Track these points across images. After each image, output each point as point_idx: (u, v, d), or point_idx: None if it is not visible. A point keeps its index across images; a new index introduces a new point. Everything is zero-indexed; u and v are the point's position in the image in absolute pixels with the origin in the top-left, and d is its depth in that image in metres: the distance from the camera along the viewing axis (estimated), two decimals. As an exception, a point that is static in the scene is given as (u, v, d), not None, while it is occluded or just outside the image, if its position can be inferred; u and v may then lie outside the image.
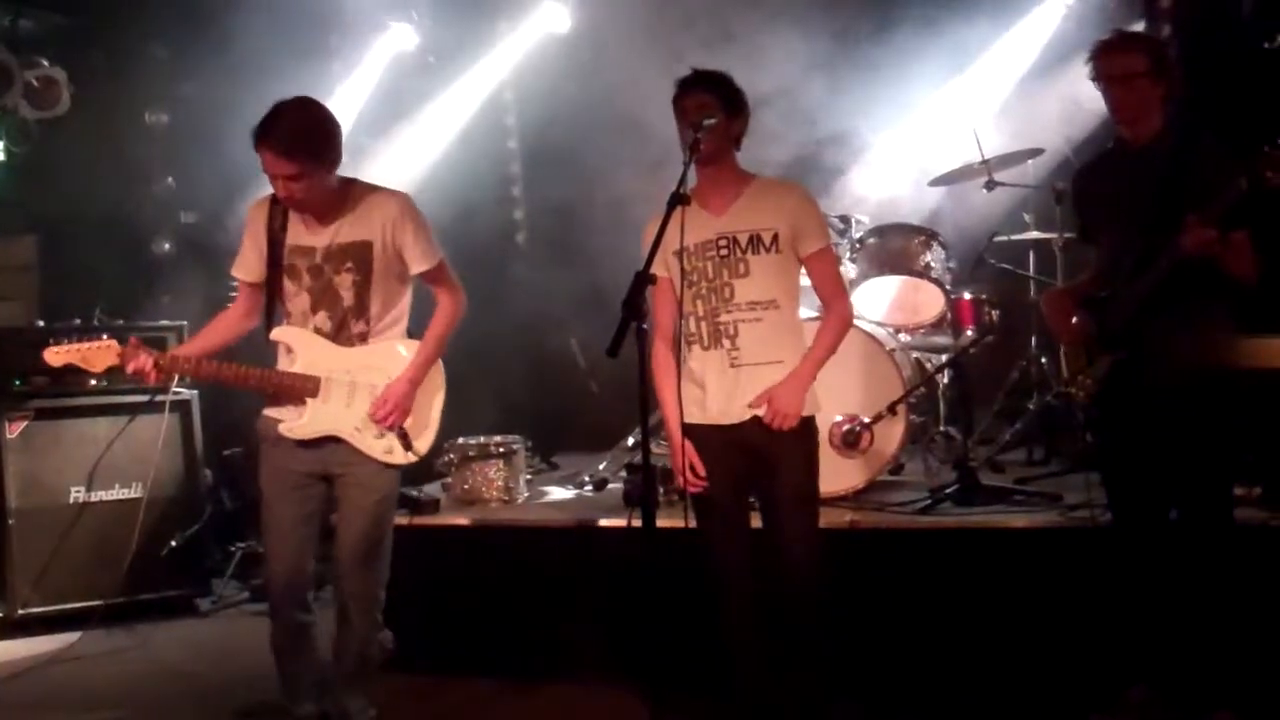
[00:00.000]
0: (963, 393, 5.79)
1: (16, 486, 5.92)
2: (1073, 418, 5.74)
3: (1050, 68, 6.45)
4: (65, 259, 6.88)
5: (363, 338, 4.07)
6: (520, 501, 5.67)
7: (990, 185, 6.09)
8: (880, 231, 5.88)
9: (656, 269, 3.61)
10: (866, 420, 5.06)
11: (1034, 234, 6.21)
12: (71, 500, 6.02)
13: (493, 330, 5.68)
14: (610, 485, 5.92)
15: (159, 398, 5.63)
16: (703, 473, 3.80)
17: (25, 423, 5.98)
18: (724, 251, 3.79)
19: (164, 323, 6.32)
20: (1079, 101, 5.75)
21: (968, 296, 5.91)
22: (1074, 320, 4.08)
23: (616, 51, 6.51)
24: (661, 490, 5.09)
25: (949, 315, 5.84)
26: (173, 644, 5.76)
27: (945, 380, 5.75)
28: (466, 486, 5.60)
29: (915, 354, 5.78)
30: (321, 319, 4.05)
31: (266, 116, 3.86)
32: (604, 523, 5.10)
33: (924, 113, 6.73)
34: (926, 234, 5.85)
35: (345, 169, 4.03)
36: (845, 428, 5.06)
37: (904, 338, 5.81)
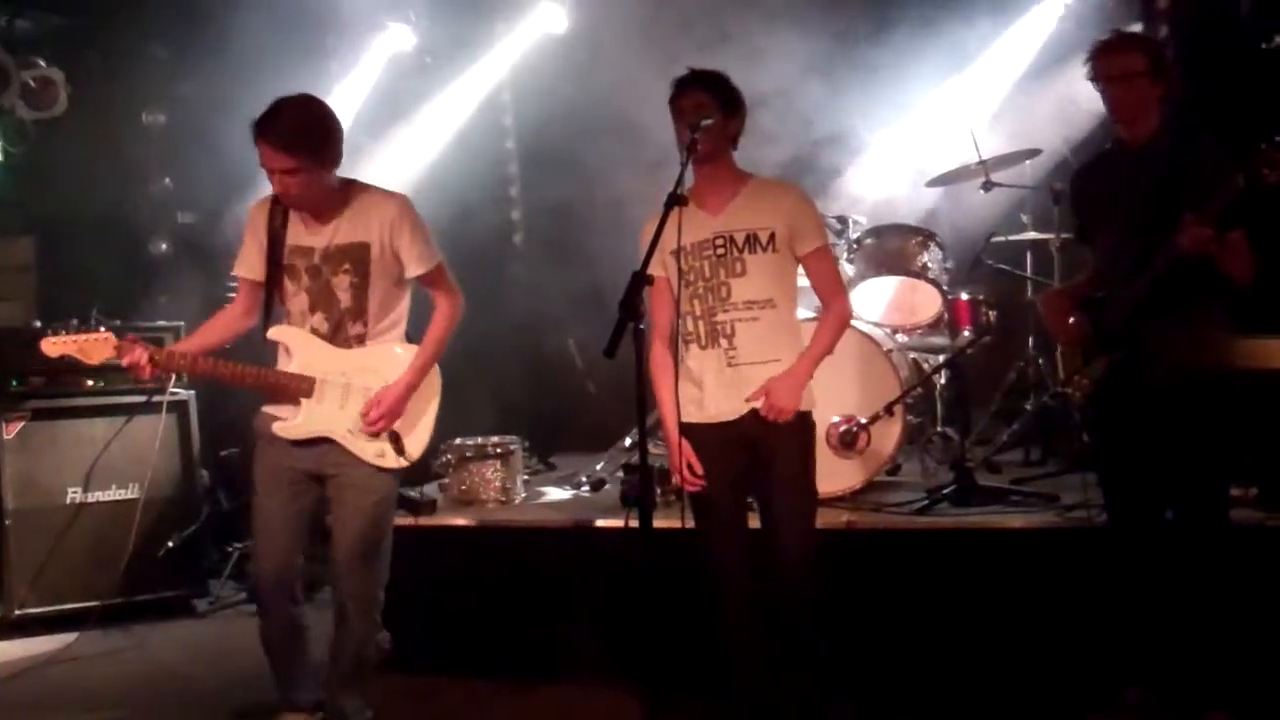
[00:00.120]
0: (960, 393, 5.79)
1: (13, 487, 5.91)
2: (1070, 418, 5.74)
3: (1048, 68, 6.45)
4: (63, 259, 6.87)
5: (360, 340, 4.07)
6: (518, 502, 5.67)
7: (988, 186, 6.09)
8: (877, 232, 5.88)
9: (654, 269, 3.61)
10: (864, 421, 5.07)
11: (1031, 234, 6.21)
12: (68, 501, 6.01)
13: (490, 331, 5.68)
14: (607, 486, 5.91)
15: (156, 398, 5.63)
16: (700, 471, 3.80)
17: (22, 423, 5.97)
18: (721, 251, 3.79)
19: (161, 323, 6.31)
20: (1076, 102, 5.75)
21: (965, 297, 5.91)
22: (1071, 320, 4.09)
23: (614, 52, 6.51)
24: (659, 491, 5.10)
25: (946, 316, 5.84)
26: (170, 645, 5.75)
27: (942, 381, 5.75)
28: (464, 487, 5.60)
29: (912, 354, 5.78)
30: (319, 320, 4.05)
31: (267, 110, 3.87)
32: (601, 523, 5.10)
33: (921, 113, 6.74)
34: (924, 234, 5.85)
35: (342, 169, 4.03)
36: (842, 428, 5.07)
37: (901, 338, 5.81)
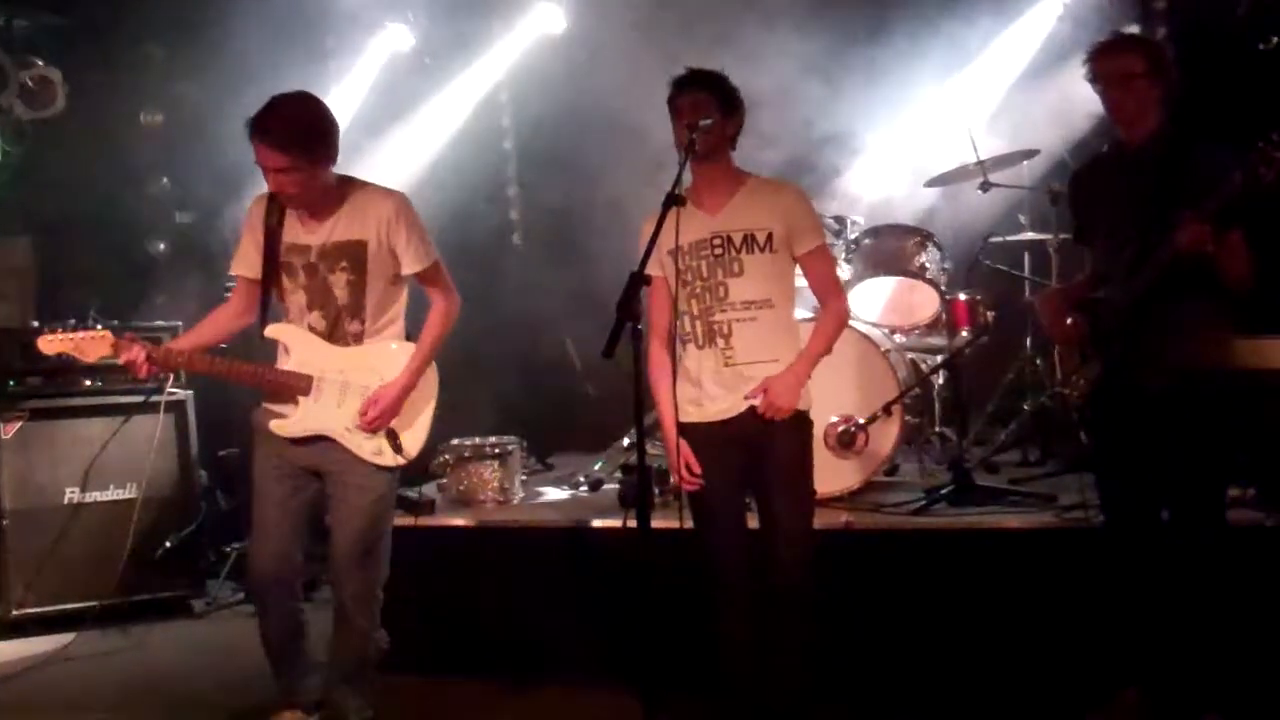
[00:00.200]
0: (958, 394, 5.81)
1: (11, 487, 5.90)
2: (1067, 419, 5.74)
3: (1046, 69, 6.44)
4: (60, 259, 6.87)
5: (358, 337, 4.07)
6: (516, 502, 5.67)
7: (985, 186, 6.08)
8: (875, 232, 5.88)
9: (652, 269, 3.61)
10: (862, 421, 5.07)
11: (1029, 235, 6.22)
12: (66, 501, 6.00)
13: (488, 330, 5.68)
14: (606, 486, 5.91)
15: (154, 398, 5.63)
16: (698, 471, 3.80)
17: (20, 423, 5.96)
18: (718, 251, 3.79)
19: (159, 323, 6.31)
20: (1074, 103, 5.74)
21: (963, 297, 5.91)
22: (1068, 321, 4.09)
23: (612, 52, 6.51)
24: (657, 490, 5.10)
25: (944, 316, 5.84)
26: (168, 645, 5.75)
27: (940, 381, 5.75)
28: (462, 487, 5.60)
29: (910, 355, 5.78)
30: (316, 318, 4.05)
31: (263, 108, 3.87)
32: (599, 523, 5.10)
33: (919, 114, 6.73)
34: (922, 235, 5.85)
35: (340, 168, 4.04)
36: (840, 428, 5.07)
37: (899, 339, 5.82)
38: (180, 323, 6.22)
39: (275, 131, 3.81)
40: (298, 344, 4.06)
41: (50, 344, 4.02)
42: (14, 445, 5.94)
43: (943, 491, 5.05)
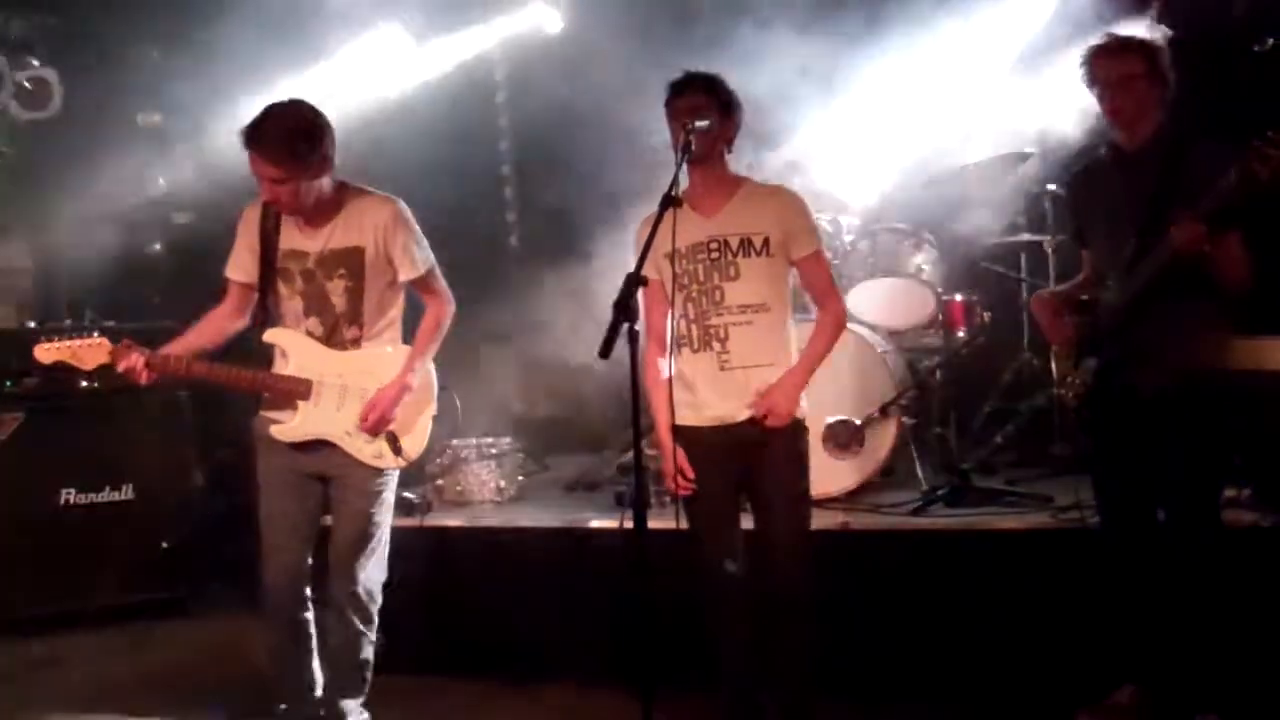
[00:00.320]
0: (954, 394, 5.81)
1: (7, 488, 5.90)
2: (1064, 419, 5.75)
3: (1044, 69, 6.45)
4: (57, 260, 6.86)
5: (356, 342, 4.07)
6: (512, 503, 5.67)
7: (982, 187, 6.09)
8: (871, 234, 5.89)
9: (647, 271, 3.59)
10: (858, 422, 5.08)
11: (1026, 236, 6.22)
12: (63, 502, 6.00)
13: (485, 332, 5.68)
14: (602, 487, 5.92)
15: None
16: (691, 476, 3.80)
17: (16, 424, 5.96)
18: (715, 254, 3.79)
19: (156, 324, 6.30)
20: (1072, 104, 5.76)
21: (959, 298, 5.92)
22: (1064, 322, 4.10)
23: (609, 53, 6.51)
24: (653, 491, 5.10)
25: (940, 317, 5.85)
26: (164, 646, 5.74)
27: (937, 382, 5.76)
28: (459, 488, 5.61)
29: (907, 356, 5.79)
30: (314, 324, 4.05)
31: (257, 117, 3.86)
32: (596, 524, 5.11)
33: (916, 114, 6.73)
34: (918, 236, 5.86)
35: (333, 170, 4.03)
36: (838, 430, 5.07)
37: (895, 340, 5.82)
38: (177, 324, 6.21)
39: (269, 141, 3.80)
40: (295, 348, 4.05)
41: (47, 353, 4.00)
42: (10, 446, 5.94)
43: (939, 492, 5.06)
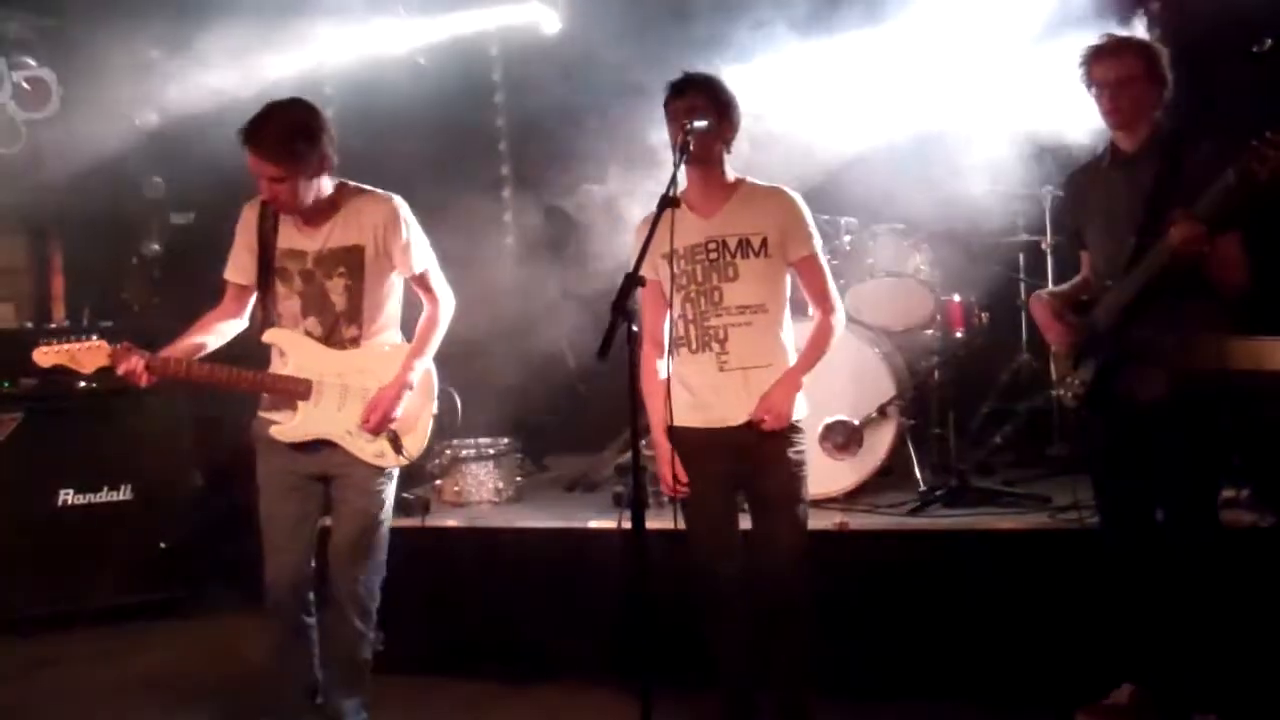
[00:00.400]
0: (952, 395, 5.80)
1: (6, 488, 5.90)
2: (1062, 420, 5.75)
3: (1041, 70, 6.44)
4: (55, 261, 6.85)
5: (355, 341, 4.07)
6: (511, 503, 5.67)
7: (980, 188, 6.08)
8: (870, 234, 5.89)
9: (645, 272, 3.59)
10: (857, 422, 5.08)
11: (1024, 236, 6.22)
12: (61, 502, 6.00)
13: (483, 332, 5.68)
14: (600, 487, 5.91)
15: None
16: (686, 480, 3.81)
17: (14, 424, 5.95)
18: (713, 255, 3.80)
19: (154, 325, 6.29)
20: (1070, 104, 5.75)
21: (957, 299, 5.92)
22: (1063, 323, 4.10)
23: (607, 53, 6.50)
24: (651, 491, 5.09)
25: (939, 317, 5.85)
26: (162, 646, 5.74)
27: (935, 382, 5.76)
28: (457, 489, 5.60)
29: (905, 356, 5.78)
30: (312, 323, 4.05)
31: (255, 117, 3.86)
32: (594, 524, 5.11)
33: (914, 114, 6.73)
34: (916, 236, 5.86)
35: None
36: (836, 430, 5.08)
37: (894, 340, 5.81)
38: (176, 326, 6.21)
39: (268, 141, 3.80)
40: (295, 348, 4.05)
41: (45, 356, 3.98)
42: (9, 446, 5.94)
43: (938, 492, 5.07)
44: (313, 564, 4.12)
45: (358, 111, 7.15)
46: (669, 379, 3.82)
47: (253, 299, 4.13)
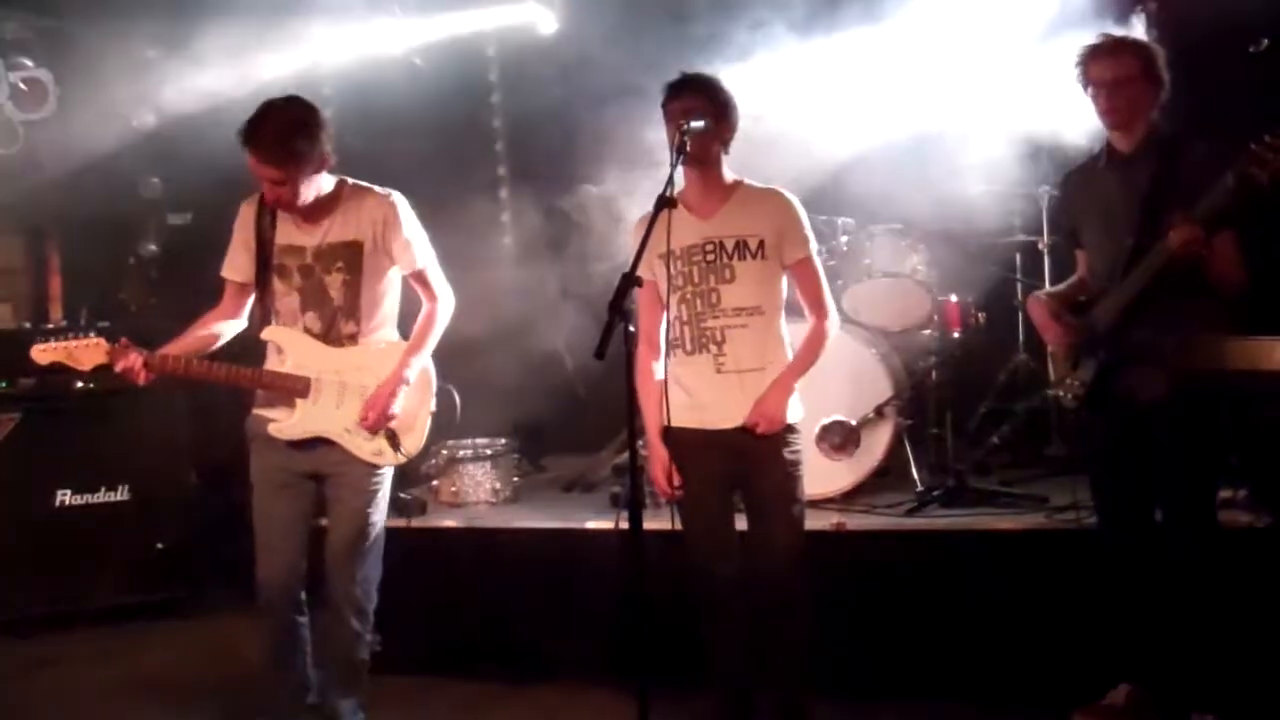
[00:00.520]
0: (950, 395, 5.81)
1: (3, 489, 5.89)
2: (1060, 420, 5.75)
3: (1039, 69, 6.44)
4: (52, 261, 6.85)
5: (353, 338, 4.07)
6: (508, 504, 5.67)
7: (978, 188, 6.08)
8: (867, 234, 5.89)
9: (642, 272, 3.60)
10: (854, 422, 5.08)
11: (1021, 237, 6.23)
12: (58, 502, 6.00)
13: (480, 332, 5.67)
14: (598, 487, 5.91)
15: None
16: (679, 482, 3.81)
17: (11, 425, 5.95)
18: (710, 256, 3.79)
19: (152, 324, 6.28)
20: (1067, 104, 5.75)
21: (954, 299, 5.92)
22: (1061, 324, 4.10)
23: (604, 53, 6.50)
24: (649, 492, 5.09)
25: (936, 317, 5.85)
26: (160, 647, 5.74)
27: (932, 383, 5.76)
28: (454, 489, 5.60)
29: (902, 356, 5.79)
30: (311, 319, 4.05)
31: (253, 117, 3.85)
32: (591, 525, 5.11)
33: (911, 114, 6.73)
34: (913, 236, 5.86)
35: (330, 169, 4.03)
36: (833, 430, 5.08)
37: (891, 340, 5.82)
38: (174, 325, 6.21)
39: (267, 139, 3.80)
40: (293, 346, 4.05)
41: (43, 354, 3.98)
42: (6, 447, 5.92)
43: (935, 493, 5.07)
44: (305, 563, 4.12)
45: (355, 111, 7.14)
46: (665, 380, 3.81)
47: (251, 297, 4.13)
